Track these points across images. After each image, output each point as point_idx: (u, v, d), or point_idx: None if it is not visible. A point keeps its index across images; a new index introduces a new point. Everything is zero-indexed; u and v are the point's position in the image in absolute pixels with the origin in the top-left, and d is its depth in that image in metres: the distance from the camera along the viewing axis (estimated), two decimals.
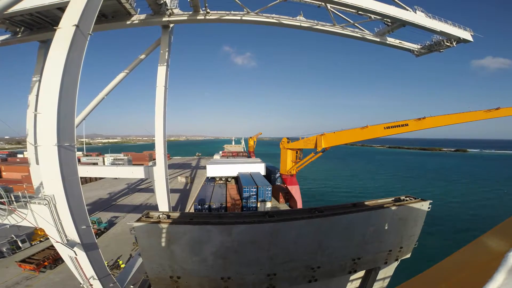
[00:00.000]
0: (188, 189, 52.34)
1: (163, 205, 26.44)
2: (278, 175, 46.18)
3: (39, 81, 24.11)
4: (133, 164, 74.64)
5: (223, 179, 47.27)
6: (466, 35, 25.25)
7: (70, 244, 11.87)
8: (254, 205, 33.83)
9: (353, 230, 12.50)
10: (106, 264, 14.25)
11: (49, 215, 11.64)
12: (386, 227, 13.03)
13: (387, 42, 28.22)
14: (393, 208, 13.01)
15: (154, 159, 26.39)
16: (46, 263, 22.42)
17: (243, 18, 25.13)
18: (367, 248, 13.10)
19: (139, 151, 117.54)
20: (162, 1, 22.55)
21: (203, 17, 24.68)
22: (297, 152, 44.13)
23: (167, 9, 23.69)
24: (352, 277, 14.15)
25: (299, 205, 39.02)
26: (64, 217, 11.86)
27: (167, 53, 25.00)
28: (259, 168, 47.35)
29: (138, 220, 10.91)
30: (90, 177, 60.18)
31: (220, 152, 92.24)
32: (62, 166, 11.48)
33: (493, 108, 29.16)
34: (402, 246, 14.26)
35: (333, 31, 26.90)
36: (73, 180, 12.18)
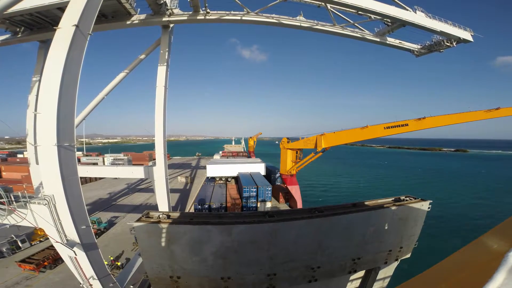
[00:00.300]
0: (188, 189, 52.33)
1: (163, 205, 26.43)
2: (278, 175, 46.19)
3: (39, 81, 24.12)
4: (133, 164, 74.64)
5: (223, 179, 47.28)
6: (466, 35, 25.25)
7: (70, 244, 11.86)
8: (254, 205, 33.83)
9: (353, 230, 12.50)
10: (105, 264, 14.25)
11: (48, 215, 11.63)
12: (386, 227, 13.04)
13: (387, 42, 28.21)
14: (393, 208, 13.01)
15: (154, 159, 26.38)
16: (46, 263, 22.41)
17: (243, 18, 25.12)
18: (367, 248, 13.10)
19: (139, 151, 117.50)
20: (162, 1, 22.55)
21: (203, 17, 24.68)
22: (297, 152, 44.14)
23: (167, 9, 23.69)
24: (352, 277, 14.15)
25: (299, 205, 39.02)
26: (63, 217, 11.85)
27: (167, 53, 25.00)
28: (259, 168, 47.36)
29: (138, 220, 10.92)
30: (90, 177, 60.17)
31: (220, 152, 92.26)
32: (62, 166, 11.47)
33: (493, 108, 29.16)
34: (402, 246, 14.26)
35: (333, 31, 26.90)
36: (73, 180, 12.17)
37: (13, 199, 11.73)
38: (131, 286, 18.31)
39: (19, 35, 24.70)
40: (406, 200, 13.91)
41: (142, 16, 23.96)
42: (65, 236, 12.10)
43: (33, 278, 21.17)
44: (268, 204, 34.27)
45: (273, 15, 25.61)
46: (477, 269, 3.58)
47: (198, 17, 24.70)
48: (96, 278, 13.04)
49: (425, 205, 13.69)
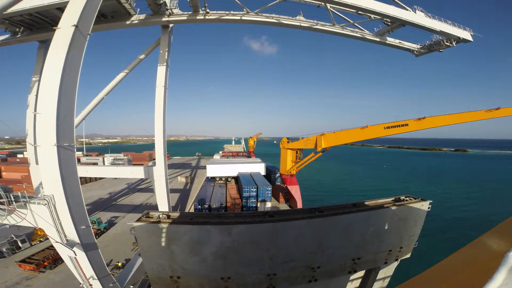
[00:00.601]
0: (188, 189, 52.32)
1: (163, 205, 26.44)
2: (278, 175, 46.16)
3: (39, 81, 24.12)
4: (133, 164, 74.61)
5: (223, 179, 47.25)
6: (465, 34, 25.25)
7: (70, 244, 11.86)
8: (254, 205, 33.79)
9: (353, 230, 12.49)
10: (105, 264, 14.25)
11: (48, 215, 11.63)
12: (386, 227, 13.04)
13: (387, 42, 28.21)
14: (393, 208, 13.01)
15: (154, 159, 26.38)
16: (46, 263, 22.40)
17: (243, 18, 25.12)
18: (367, 248, 13.10)
19: (139, 151, 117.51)
20: (161, 1, 22.56)
21: (202, 17, 24.68)
22: (297, 152, 44.11)
23: (167, 9, 23.69)
24: (352, 277, 14.15)
25: (299, 205, 39.00)
26: (63, 217, 11.86)
27: (166, 53, 25.00)
28: (259, 168, 47.33)
29: (138, 220, 10.92)
30: (90, 177, 60.16)
31: (220, 152, 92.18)
32: (62, 166, 11.48)
33: (493, 108, 29.16)
34: (402, 246, 14.26)
35: (333, 31, 26.90)
36: (72, 180, 12.18)
37: (13, 199, 11.74)
38: (131, 286, 18.29)
39: (19, 35, 24.70)
40: (406, 200, 13.91)
41: (142, 16, 23.96)
42: (65, 236, 12.10)
43: (33, 278, 21.16)
44: (268, 204, 34.24)
45: (273, 15, 25.61)
46: (477, 269, 3.58)
47: (198, 17, 24.70)
48: (96, 278, 13.05)
49: (425, 205, 13.69)
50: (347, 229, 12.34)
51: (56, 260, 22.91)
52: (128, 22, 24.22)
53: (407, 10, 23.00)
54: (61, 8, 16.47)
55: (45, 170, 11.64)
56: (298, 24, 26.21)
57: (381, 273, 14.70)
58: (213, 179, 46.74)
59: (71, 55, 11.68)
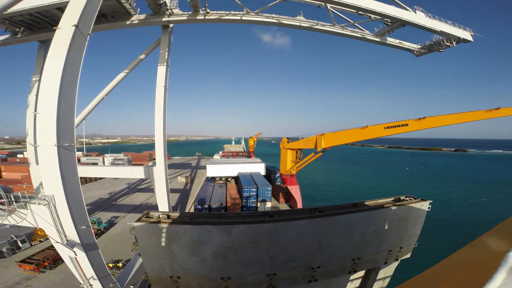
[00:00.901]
0: (188, 189, 52.31)
1: (163, 205, 26.43)
2: (278, 175, 46.16)
3: (39, 81, 24.12)
4: (133, 164, 74.59)
5: (223, 179, 47.26)
6: (466, 35, 25.25)
7: (70, 245, 11.86)
8: (254, 205, 33.80)
9: (353, 230, 12.50)
10: (106, 264, 14.25)
11: (48, 215, 11.63)
12: (386, 227, 13.04)
13: (387, 42, 28.21)
14: (393, 208, 13.01)
15: (154, 159, 26.38)
16: (46, 263, 22.40)
17: (243, 18, 25.12)
18: (367, 248, 13.11)
19: (139, 151, 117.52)
20: (162, 1, 22.54)
21: (202, 17, 24.68)
22: (297, 152, 44.11)
23: (167, 9, 23.69)
24: (352, 277, 14.15)
25: (299, 205, 39.00)
26: (63, 217, 11.86)
27: (167, 53, 25.00)
28: (259, 168, 47.34)
29: (138, 220, 10.92)
30: (90, 177, 60.15)
31: (220, 152, 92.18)
32: (62, 166, 11.48)
33: (493, 108, 29.16)
34: (402, 246, 14.27)
35: (333, 31, 26.90)
36: (72, 180, 12.18)
37: (13, 199, 11.74)
38: (131, 286, 18.29)
39: (19, 35, 24.69)
40: (406, 200, 13.91)
41: (142, 16, 23.95)
42: (65, 236, 12.10)
43: (33, 278, 21.16)
44: (268, 204, 34.25)
45: (273, 15, 25.62)
46: (477, 269, 3.58)
47: (198, 17, 24.70)
48: (96, 278, 13.05)
49: (425, 205, 13.69)
50: (347, 229, 12.34)
51: (56, 260, 22.90)
52: (128, 22, 24.21)
53: (407, 10, 23.00)
54: (61, 8, 16.48)
55: (45, 170, 11.63)
56: (298, 24, 26.21)
57: (381, 273, 14.70)
58: (213, 179, 46.75)
59: (71, 55, 11.68)
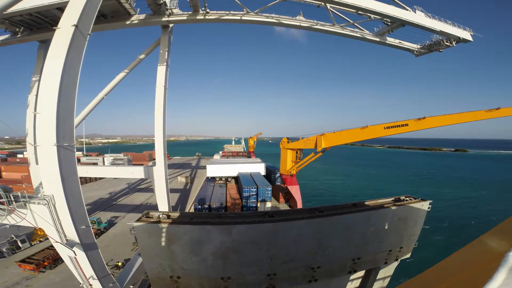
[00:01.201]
0: (188, 189, 52.31)
1: (163, 205, 26.42)
2: (278, 175, 46.16)
3: (39, 81, 24.13)
4: (133, 164, 74.58)
5: (223, 179, 47.26)
6: (465, 34, 25.25)
7: (70, 244, 11.85)
8: (254, 205, 33.80)
9: (353, 230, 12.49)
10: (105, 264, 14.25)
11: (48, 215, 11.63)
12: (386, 227, 13.03)
13: (387, 42, 28.21)
14: (393, 208, 13.01)
15: (154, 159, 26.37)
16: (46, 263, 22.40)
17: (243, 18, 25.11)
18: (367, 248, 13.10)
19: (139, 151, 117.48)
20: (161, 1, 22.54)
21: (202, 17, 24.67)
22: (297, 152, 44.11)
23: (167, 9, 23.67)
24: (352, 277, 14.15)
25: (299, 205, 39.00)
26: (63, 217, 11.85)
27: (166, 53, 24.99)
28: (259, 168, 47.34)
29: (138, 220, 10.92)
30: (90, 177, 60.15)
31: (220, 152, 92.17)
32: (62, 166, 11.47)
33: (493, 108, 29.16)
34: (402, 246, 14.26)
35: (333, 31, 26.89)
36: (72, 180, 12.17)
37: (13, 199, 11.73)
38: (131, 286, 18.29)
39: (19, 35, 24.68)
40: (406, 200, 13.91)
41: (142, 16, 23.95)
42: (65, 236, 12.09)
43: (33, 278, 21.16)
44: (268, 204, 34.25)
45: (273, 15, 25.61)
46: (477, 269, 3.57)
47: (198, 17, 24.69)
48: (96, 278, 13.04)
49: (425, 205, 13.69)
50: (347, 229, 12.34)
51: (56, 260, 22.90)
52: (128, 22, 24.21)
53: (407, 10, 23.00)
54: (61, 8, 16.47)
55: (45, 170, 11.63)
56: (298, 24, 26.21)
57: (381, 273, 14.70)
58: (213, 179, 46.75)
59: (71, 55, 11.67)
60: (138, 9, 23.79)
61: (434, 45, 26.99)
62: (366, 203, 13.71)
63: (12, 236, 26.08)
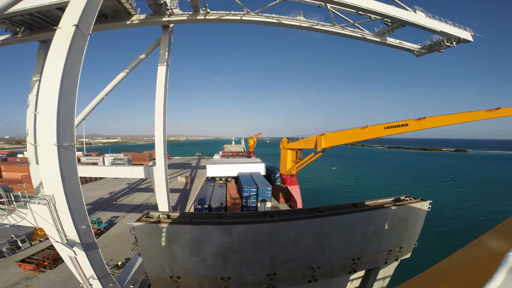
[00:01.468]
0: (188, 189, 52.33)
1: (163, 205, 26.43)
2: (278, 175, 46.16)
3: (39, 81, 24.12)
4: (133, 164, 74.60)
5: (223, 179, 47.26)
6: (466, 35, 25.26)
7: (70, 244, 11.86)
8: (254, 205, 33.80)
9: (353, 230, 12.49)
10: (105, 264, 14.26)
11: (48, 215, 11.64)
12: (386, 227, 13.03)
13: (387, 42, 28.22)
14: (393, 208, 13.00)
15: (154, 159, 26.38)
16: (46, 263, 22.40)
17: (243, 18, 25.13)
18: (367, 248, 13.10)
19: (139, 151, 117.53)
20: (162, 1, 22.56)
21: (203, 17, 24.69)
22: (297, 152, 44.11)
23: (167, 9, 23.70)
24: (352, 277, 14.15)
25: (299, 205, 39.00)
26: (63, 217, 11.86)
27: (167, 53, 25.01)
28: (259, 168, 47.33)
29: (138, 220, 10.92)
30: (90, 177, 60.17)
31: (220, 152, 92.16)
32: (62, 166, 11.48)
33: (493, 108, 29.16)
34: (402, 246, 14.26)
35: (333, 31, 26.91)
36: (72, 180, 12.18)
37: (13, 199, 11.73)
38: (131, 286, 18.30)
39: (19, 35, 24.70)
40: (406, 200, 13.91)
41: (142, 16, 23.97)
42: (65, 236, 12.10)
43: (33, 278, 21.16)
44: (268, 204, 34.24)
45: (273, 15, 25.63)
46: (477, 269, 3.57)
47: (198, 17, 24.71)
48: (96, 278, 13.05)
49: (425, 205, 13.69)
50: (347, 229, 12.34)
51: (56, 260, 22.91)
52: (128, 22, 24.23)
53: (407, 10, 23.01)
54: (61, 8, 16.50)
55: (45, 170, 11.64)
56: (298, 24, 26.22)
57: (381, 273, 14.70)
58: (213, 179, 46.75)
59: (71, 55, 11.68)
60: (139, 9, 23.81)
61: (435, 45, 27.00)
62: (366, 203, 13.71)
63: (12, 236, 26.09)
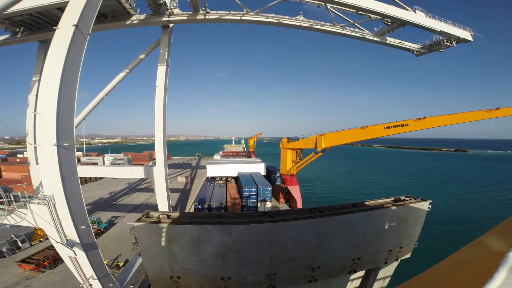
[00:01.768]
0: (188, 189, 52.33)
1: (163, 205, 26.42)
2: (278, 175, 46.16)
3: (39, 81, 24.13)
4: (133, 164, 74.62)
5: (223, 179, 47.25)
6: (466, 34, 25.25)
7: (70, 244, 11.85)
8: (254, 205, 33.79)
9: (353, 230, 12.49)
10: (106, 264, 14.25)
11: (48, 215, 11.63)
12: (386, 227, 13.03)
13: (387, 42, 28.21)
14: (393, 208, 13.01)
15: (154, 159, 26.37)
16: (46, 263, 22.40)
17: (243, 18, 25.11)
18: (367, 248, 13.10)
19: (139, 151, 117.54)
20: (161, 1, 22.53)
21: (202, 17, 24.67)
22: (297, 152, 44.11)
23: (167, 9, 23.67)
24: (352, 277, 14.15)
25: (299, 205, 38.99)
26: (63, 217, 11.85)
27: (166, 53, 24.99)
28: (259, 168, 47.32)
29: (138, 220, 10.92)
30: (90, 177, 60.17)
31: (220, 152, 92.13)
32: (62, 166, 11.47)
33: (493, 108, 29.16)
34: (402, 246, 14.26)
35: (333, 31, 26.89)
36: (72, 180, 12.17)
37: (13, 199, 11.73)
38: (131, 286, 18.29)
39: (19, 35, 24.69)
40: (406, 200, 13.91)
41: (142, 16, 23.95)
42: (65, 236, 12.09)
43: (33, 278, 21.16)
44: (268, 204, 34.24)
45: (273, 15, 25.61)
46: (477, 269, 3.57)
47: (198, 17, 24.69)
48: (96, 278, 13.04)
49: (425, 205, 13.69)
50: (347, 229, 12.34)
51: (56, 260, 22.90)
52: (128, 22, 24.20)
53: (407, 10, 23.00)
54: (61, 8, 16.46)
55: (45, 170, 11.63)
56: (298, 24, 26.20)
57: (381, 273, 14.70)
58: (213, 179, 46.74)
59: (71, 55, 11.67)
60: (138, 9, 23.78)
61: (434, 45, 26.99)
62: (366, 203, 13.71)
63: (12, 236, 26.09)
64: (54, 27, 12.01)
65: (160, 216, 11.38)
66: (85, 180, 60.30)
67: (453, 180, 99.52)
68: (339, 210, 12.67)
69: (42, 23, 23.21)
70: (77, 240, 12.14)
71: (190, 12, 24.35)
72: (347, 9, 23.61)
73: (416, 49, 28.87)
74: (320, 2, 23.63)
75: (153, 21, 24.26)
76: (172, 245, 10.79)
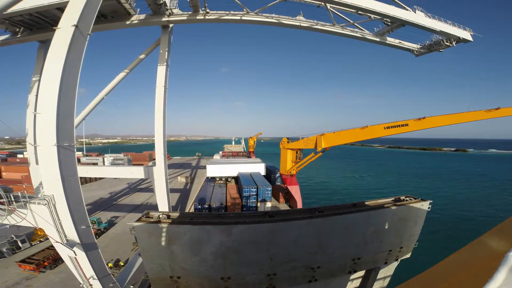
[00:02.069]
0: (188, 189, 52.34)
1: (163, 205, 26.43)
2: (278, 175, 46.17)
3: (39, 81, 24.12)
4: (133, 164, 74.60)
5: (223, 179, 47.25)
6: (465, 34, 25.26)
7: (70, 244, 11.86)
8: (254, 205, 33.79)
9: (353, 230, 12.48)
10: (106, 264, 14.25)
11: (48, 215, 11.63)
12: (386, 227, 13.03)
13: (387, 42, 28.22)
14: (393, 208, 13.00)
15: (154, 159, 26.38)
16: (46, 263, 22.41)
17: (243, 18, 25.12)
18: (367, 248, 13.09)
19: (139, 151, 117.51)
20: (161, 1, 22.54)
21: (202, 17, 24.68)
22: (297, 152, 44.13)
23: (167, 9, 23.68)
24: (352, 277, 14.14)
25: (299, 205, 39.01)
26: (63, 217, 11.86)
27: (166, 53, 25.00)
28: (259, 168, 47.32)
29: (138, 220, 10.91)
30: (90, 177, 60.18)
31: (220, 152, 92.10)
32: (62, 166, 11.47)
33: (493, 108, 29.18)
34: (402, 246, 14.25)
35: (333, 31, 26.90)
36: (72, 180, 12.17)
37: (13, 199, 11.73)
38: (131, 286, 18.30)
39: (19, 35, 24.69)
40: (406, 200, 13.90)
41: (142, 16, 23.96)
42: (65, 236, 12.10)
43: (33, 278, 21.17)
44: (268, 204, 34.24)
45: (273, 15, 25.61)
46: (477, 269, 3.57)
47: (198, 17, 24.70)
48: (96, 278, 13.05)
49: (425, 205, 13.68)
50: (347, 229, 12.33)
51: (56, 260, 22.91)
52: (128, 22, 24.21)
53: (407, 10, 23.01)
54: (61, 8, 16.43)
55: (45, 170, 11.63)
56: (298, 24, 26.21)
57: (381, 273, 14.69)
58: (213, 179, 46.74)
59: (71, 55, 11.67)
60: (138, 9, 23.79)
61: (434, 45, 27.01)
62: (366, 203, 13.70)
63: (12, 236, 26.09)
64: (54, 27, 12.01)
65: (160, 216, 11.37)
66: (85, 180, 60.31)
67: (453, 180, 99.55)
68: (339, 210, 12.65)
69: (42, 23, 23.22)
70: (77, 240, 12.14)
71: (190, 12, 24.37)
72: (347, 9, 23.62)
73: (416, 49, 28.88)
74: (320, 2, 23.64)
75: (153, 21, 24.27)
76: (172, 245, 10.78)
